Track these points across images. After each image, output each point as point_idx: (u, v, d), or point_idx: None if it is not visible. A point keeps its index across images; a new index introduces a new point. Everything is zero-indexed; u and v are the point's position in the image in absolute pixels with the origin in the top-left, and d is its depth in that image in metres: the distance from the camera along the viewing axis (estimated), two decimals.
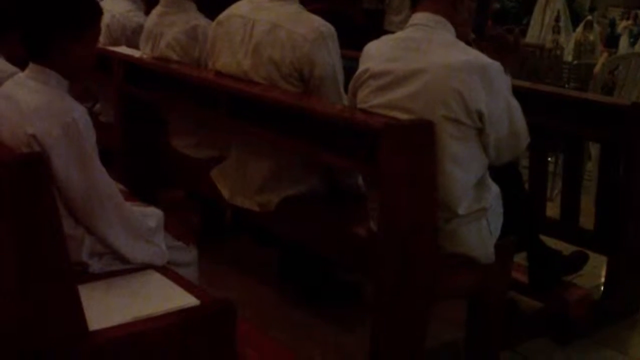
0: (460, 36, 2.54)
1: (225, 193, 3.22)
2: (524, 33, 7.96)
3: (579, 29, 6.71)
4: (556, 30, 6.87)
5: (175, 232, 2.50)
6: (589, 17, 6.74)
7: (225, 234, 4.01)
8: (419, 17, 2.56)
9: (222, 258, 3.67)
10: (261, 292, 3.45)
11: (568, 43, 6.80)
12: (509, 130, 2.53)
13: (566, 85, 5.59)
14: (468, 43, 2.54)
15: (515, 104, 2.55)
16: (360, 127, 2.47)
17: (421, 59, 2.46)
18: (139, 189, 3.08)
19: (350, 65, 3.14)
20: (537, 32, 7.38)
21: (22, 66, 2.30)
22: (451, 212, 2.49)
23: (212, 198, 3.37)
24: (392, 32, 2.69)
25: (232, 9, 3.15)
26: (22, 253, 1.70)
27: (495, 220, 2.65)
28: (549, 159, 4.25)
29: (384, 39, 2.65)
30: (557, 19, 7.14)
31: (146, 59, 3.60)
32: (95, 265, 2.23)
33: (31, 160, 1.75)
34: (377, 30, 6.36)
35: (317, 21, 2.94)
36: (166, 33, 3.52)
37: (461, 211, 2.50)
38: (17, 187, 1.67)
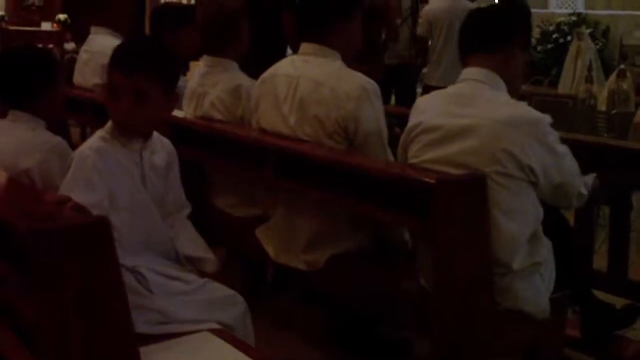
0: (511, 90, 2.56)
1: (271, 251, 3.21)
2: (553, 84, 7.97)
3: (612, 77, 6.68)
4: (589, 80, 6.85)
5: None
6: (622, 66, 6.72)
7: (269, 293, 3.98)
8: (470, 71, 2.60)
9: (267, 317, 3.63)
10: (308, 352, 3.41)
11: (601, 93, 6.77)
12: (561, 178, 2.56)
13: (605, 135, 5.55)
14: (520, 97, 2.56)
15: (563, 150, 2.58)
16: (412, 182, 2.46)
17: (472, 114, 2.48)
18: None
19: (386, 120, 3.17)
20: (569, 82, 7.37)
21: None
22: (506, 267, 2.48)
23: (256, 257, 3.36)
24: (433, 86, 2.73)
25: (276, 68, 3.18)
26: (87, 319, 1.69)
27: (549, 275, 2.64)
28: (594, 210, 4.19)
29: (435, 93, 2.69)
30: (589, 69, 7.12)
31: (190, 118, 3.64)
32: (141, 326, 2.22)
33: (99, 223, 1.75)
34: (404, 84, 6.41)
35: (361, 78, 2.96)
36: (210, 92, 3.56)
37: (516, 266, 2.49)
38: (84, 251, 1.67)
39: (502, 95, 2.56)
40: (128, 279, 2.31)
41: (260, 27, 5.10)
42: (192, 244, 2.68)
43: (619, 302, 3.33)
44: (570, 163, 2.60)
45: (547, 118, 2.52)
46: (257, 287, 3.95)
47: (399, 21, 6.24)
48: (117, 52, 2.49)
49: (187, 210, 2.74)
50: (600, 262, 3.62)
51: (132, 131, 2.49)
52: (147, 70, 2.42)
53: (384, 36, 6.23)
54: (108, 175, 2.39)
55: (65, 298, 1.72)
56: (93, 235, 1.74)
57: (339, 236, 3.02)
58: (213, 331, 2.29)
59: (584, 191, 2.66)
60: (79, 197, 2.20)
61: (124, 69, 2.41)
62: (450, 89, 2.65)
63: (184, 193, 2.75)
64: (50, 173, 2.75)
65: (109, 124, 2.50)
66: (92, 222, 1.82)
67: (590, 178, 2.72)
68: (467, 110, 2.51)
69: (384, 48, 6.28)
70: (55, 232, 1.75)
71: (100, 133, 2.49)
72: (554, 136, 2.55)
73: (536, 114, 2.51)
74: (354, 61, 4.90)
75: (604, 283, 3.44)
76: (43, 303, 1.72)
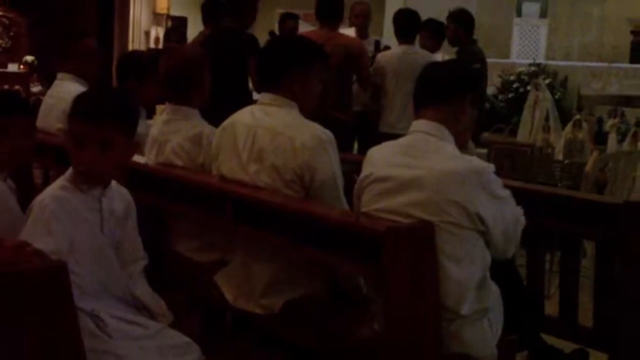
0: (459, 143, 2.66)
1: (229, 296, 3.25)
2: (514, 132, 8.12)
3: (568, 127, 6.85)
4: (546, 129, 7.01)
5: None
6: (578, 117, 6.90)
7: (227, 337, 4.01)
8: (420, 124, 2.71)
9: None
10: None
11: (558, 141, 6.92)
12: (507, 223, 2.67)
13: (559, 184, 5.69)
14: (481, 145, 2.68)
15: (505, 194, 2.68)
16: (363, 230, 2.54)
17: (419, 166, 2.58)
18: None
19: (345, 167, 3.25)
20: (527, 131, 7.54)
21: None
22: (454, 312, 2.55)
23: (215, 301, 3.40)
24: (385, 133, 2.81)
25: (235, 116, 3.25)
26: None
27: (497, 320, 2.71)
28: (545, 257, 4.30)
29: (386, 144, 2.77)
30: (547, 118, 7.29)
31: (151, 165, 3.69)
32: None
33: (56, 268, 1.80)
34: (366, 131, 6.52)
35: (316, 128, 3.03)
36: (171, 140, 3.62)
37: (464, 311, 2.57)
38: (43, 295, 1.72)
39: (448, 146, 2.65)
40: (87, 323, 2.37)
41: (227, 72, 5.24)
42: (148, 295, 2.74)
43: (570, 347, 3.41)
44: (511, 208, 2.70)
45: (490, 167, 2.63)
46: (216, 331, 3.99)
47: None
48: (80, 101, 2.55)
49: (144, 262, 2.81)
50: (553, 307, 3.71)
51: (97, 178, 2.55)
52: (112, 118, 2.49)
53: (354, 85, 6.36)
54: (67, 222, 2.46)
55: (22, 342, 1.76)
56: (51, 279, 1.79)
57: (295, 281, 3.07)
58: None
59: (521, 226, 2.77)
60: (38, 243, 2.25)
61: (88, 117, 2.47)
62: (400, 140, 2.74)
63: (141, 244, 2.81)
64: None
65: (69, 171, 2.55)
66: (50, 267, 1.87)
67: (520, 211, 2.81)
68: (415, 162, 2.61)
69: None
70: (15, 275, 1.80)
71: (60, 182, 2.55)
72: (497, 183, 2.65)
73: (480, 163, 2.62)
74: (328, 107, 5.03)
75: (555, 328, 3.52)
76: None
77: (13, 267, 1.87)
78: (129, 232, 2.73)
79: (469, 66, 3.08)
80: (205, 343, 3.30)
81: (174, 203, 3.54)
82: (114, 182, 2.67)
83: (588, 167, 5.32)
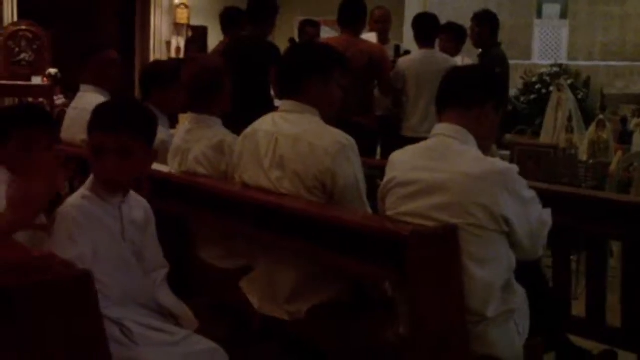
0: (482, 147, 2.66)
1: (254, 302, 3.26)
2: (536, 133, 8.08)
3: (592, 128, 6.81)
4: (569, 129, 6.98)
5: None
6: (601, 116, 6.86)
7: (253, 343, 4.01)
8: (442, 127, 2.72)
9: None
10: None
11: (582, 142, 6.89)
12: (533, 224, 2.66)
13: (583, 185, 5.66)
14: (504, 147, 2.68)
15: (530, 195, 2.67)
16: (387, 234, 2.53)
17: (443, 169, 2.58)
18: None
19: (369, 172, 3.25)
20: (550, 132, 7.49)
21: None
22: (480, 315, 2.54)
23: (241, 307, 3.41)
24: (407, 137, 2.80)
25: (257, 124, 3.26)
26: None
27: (523, 321, 2.70)
28: (572, 257, 4.27)
29: (408, 148, 2.77)
30: (570, 119, 7.25)
31: (175, 173, 3.72)
32: None
33: (82, 277, 1.82)
34: (389, 135, 6.52)
35: (338, 134, 3.04)
36: (194, 148, 3.64)
37: (490, 314, 2.56)
38: (69, 303, 1.73)
39: (471, 149, 2.65)
40: (113, 330, 2.38)
41: (249, 80, 5.26)
42: (173, 302, 2.75)
43: (599, 348, 3.38)
44: (536, 209, 2.69)
45: (514, 168, 2.62)
46: (243, 337, 3.99)
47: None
48: (99, 112, 2.59)
49: (165, 270, 2.83)
50: (580, 308, 3.68)
51: (117, 186, 2.59)
52: (131, 127, 2.54)
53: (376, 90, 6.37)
54: (89, 230, 2.49)
55: (50, 350, 1.78)
56: (78, 288, 1.81)
57: (319, 287, 3.07)
58: None
59: (547, 228, 2.75)
60: (63, 252, 2.28)
61: (107, 127, 2.52)
62: (422, 144, 2.74)
63: (162, 252, 2.84)
64: None
65: (90, 181, 2.59)
66: (77, 275, 1.89)
67: (548, 212, 2.79)
68: (438, 165, 2.61)
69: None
70: (41, 284, 1.82)
71: (81, 191, 2.58)
72: (521, 184, 2.64)
73: (504, 165, 2.62)
74: (350, 113, 5.03)
75: (583, 329, 3.49)
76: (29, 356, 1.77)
77: (39, 276, 1.88)
78: (150, 240, 2.76)
79: (492, 70, 3.06)
80: (232, 349, 3.32)
81: (197, 211, 3.56)
82: (132, 192, 2.69)
83: (613, 167, 5.29)
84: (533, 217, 2.65)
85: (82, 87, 4.78)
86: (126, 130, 2.52)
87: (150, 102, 4.24)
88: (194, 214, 3.65)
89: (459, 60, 6.92)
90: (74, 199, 2.56)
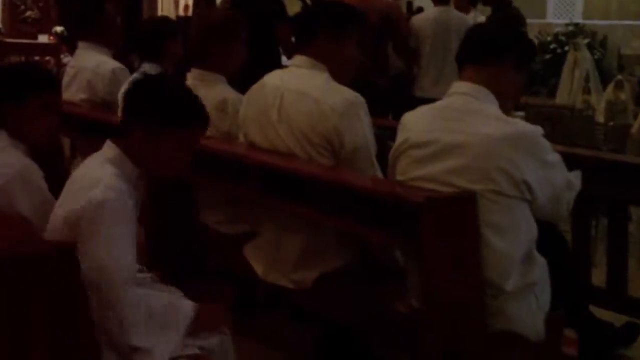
0: (503, 107, 2.51)
1: (259, 270, 3.15)
2: (552, 94, 7.95)
3: (610, 88, 6.68)
4: (586, 90, 6.84)
5: (206, 319, 2.44)
6: (619, 77, 6.70)
7: (258, 311, 3.91)
8: (459, 85, 2.58)
9: (256, 335, 3.57)
10: None
11: (599, 103, 6.75)
12: (556, 189, 2.53)
13: (604, 147, 5.51)
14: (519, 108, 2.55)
15: (555, 159, 2.54)
16: (400, 201, 2.39)
17: (462, 130, 2.45)
18: (169, 270, 3.00)
19: (379, 133, 3.10)
20: (566, 93, 7.36)
21: None
22: (498, 288, 2.41)
23: (244, 274, 3.29)
24: (420, 97, 2.71)
25: (265, 78, 3.16)
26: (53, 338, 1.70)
27: (543, 295, 2.57)
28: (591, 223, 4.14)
29: (422, 108, 2.65)
30: (587, 80, 7.11)
31: None
32: None
33: (65, 249, 1.72)
34: (403, 95, 6.38)
35: (346, 91, 2.93)
36: None
37: (508, 287, 2.42)
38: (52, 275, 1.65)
39: (491, 108, 2.51)
40: None
41: (254, 36, 5.11)
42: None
43: (619, 319, 3.26)
44: (561, 174, 2.56)
45: (539, 129, 2.49)
46: (247, 304, 3.89)
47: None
48: (126, 94, 2.51)
49: None
50: (600, 276, 3.56)
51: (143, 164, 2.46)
52: (154, 111, 2.43)
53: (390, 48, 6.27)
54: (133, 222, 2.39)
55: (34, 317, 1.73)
56: (60, 260, 1.71)
57: (326, 254, 2.96)
58: (193, 357, 2.26)
59: (574, 192, 2.62)
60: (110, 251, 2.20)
61: (130, 110, 2.46)
62: (438, 103, 2.62)
63: None
64: (12, 201, 2.60)
65: (114, 154, 2.41)
66: (60, 247, 1.79)
67: (577, 174, 2.66)
68: (455, 125, 2.47)
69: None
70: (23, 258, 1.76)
71: (109, 168, 2.38)
72: (546, 148, 2.51)
73: (529, 127, 2.49)
74: (364, 71, 4.92)
75: (603, 299, 3.37)
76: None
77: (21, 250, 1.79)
78: None
79: (508, 26, 2.96)
80: (236, 317, 3.22)
81: (199, 174, 3.41)
82: None
83: (634, 129, 5.13)
84: (558, 183, 2.51)
85: (81, 44, 4.62)
86: (148, 113, 2.44)
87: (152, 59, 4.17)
88: (195, 176, 3.50)
89: (471, 18, 6.78)
90: (108, 179, 2.33)
